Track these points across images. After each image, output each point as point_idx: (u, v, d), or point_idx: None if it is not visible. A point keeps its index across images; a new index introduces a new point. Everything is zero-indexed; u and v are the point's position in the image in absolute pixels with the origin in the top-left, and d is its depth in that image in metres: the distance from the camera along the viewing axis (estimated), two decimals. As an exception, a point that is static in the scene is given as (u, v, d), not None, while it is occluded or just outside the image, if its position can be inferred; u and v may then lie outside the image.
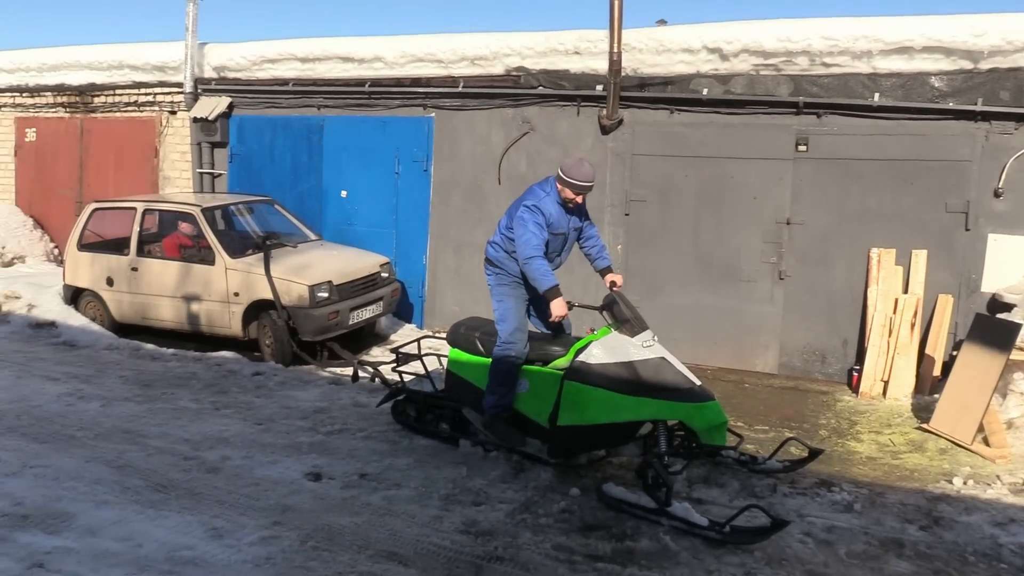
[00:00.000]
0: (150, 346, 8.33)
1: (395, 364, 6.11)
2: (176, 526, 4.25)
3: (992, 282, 7.28)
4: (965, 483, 5.18)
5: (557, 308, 4.88)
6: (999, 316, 6.62)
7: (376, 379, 6.46)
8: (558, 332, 5.34)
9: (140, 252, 8.55)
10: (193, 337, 8.48)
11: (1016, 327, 6.00)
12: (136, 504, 4.51)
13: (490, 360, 5.18)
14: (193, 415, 6.21)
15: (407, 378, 6.10)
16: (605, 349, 4.81)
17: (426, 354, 6.10)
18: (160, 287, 8.37)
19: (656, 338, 4.84)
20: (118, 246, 8.76)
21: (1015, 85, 7.10)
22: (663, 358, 4.73)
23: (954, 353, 6.76)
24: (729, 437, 5.00)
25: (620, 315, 4.89)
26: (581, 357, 4.85)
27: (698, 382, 4.72)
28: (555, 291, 4.86)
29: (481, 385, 5.28)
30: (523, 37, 8.79)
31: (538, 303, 5.24)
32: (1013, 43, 7.02)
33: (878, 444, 6.03)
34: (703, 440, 4.63)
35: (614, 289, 5.11)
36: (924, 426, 6.25)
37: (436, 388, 5.91)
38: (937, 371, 7.12)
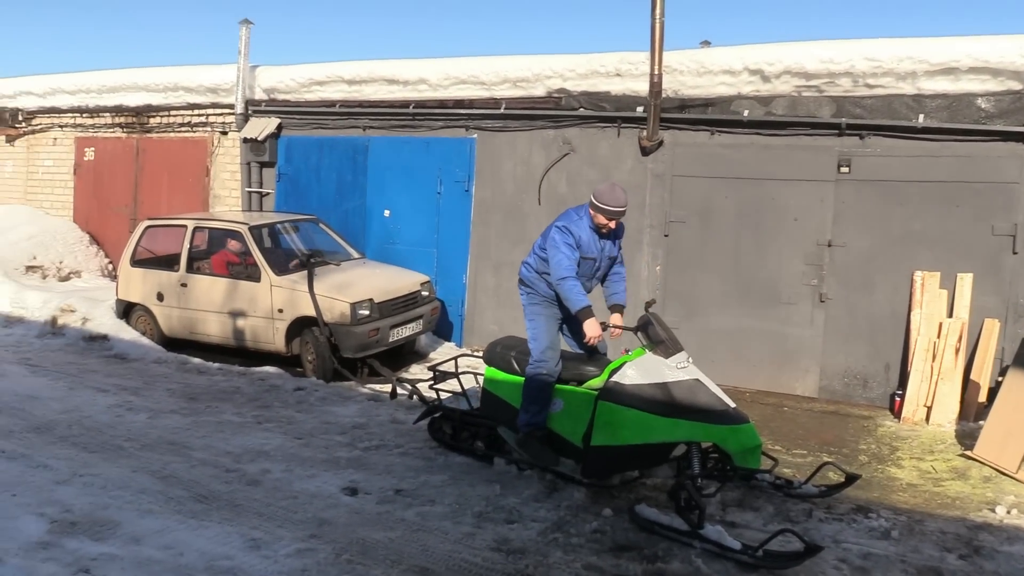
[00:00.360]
0: (197, 360, 8.56)
1: (432, 382, 6.20)
2: (216, 536, 4.37)
3: (1041, 307, 7.13)
4: (1008, 512, 5.06)
5: (590, 329, 4.92)
6: (1047, 342, 6.48)
7: (414, 396, 6.53)
8: (593, 352, 5.38)
9: (190, 268, 8.80)
10: (238, 352, 8.70)
11: (1064, 353, 5.87)
12: (179, 514, 4.65)
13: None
14: (236, 428, 6.37)
15: (444, 396, 6.17)
16: (639, 370, 4.83)
17: (463, 372, 6.17)
18: (208, 303, 8.61)
19: (691, 359, 4.85)
20: (169, 262, 9.02)
21: (1065, 106, 6.98)
22: (697, 380, 4.74)
23: (1000, 379, 6.61)
24: (764, 460, 4.97)
25: (655, 336, 4.91)
26: (615, 377, 4.89)
27: (732, 404, 4.71)
28: (587, 311, 4.91)
29: (516, 404, 5.34)
30: (565, 59, 8.89)
31: (573, 323, 5.28)
32: (1062, 64, 6.91)
33: (919, 471, 5.93)
34: (737, 463, 4.62)
35: (649, 310, 5.13)
36: (968, 453, 6.13)
37: (472, 406, 5.98)
38: (982, 397, 6.98)
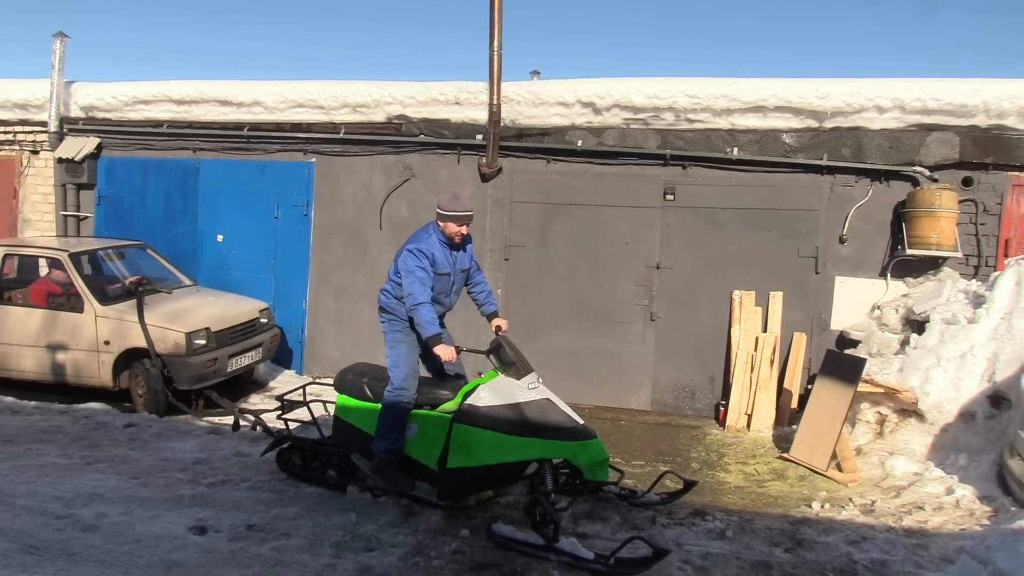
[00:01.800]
0: (9, 398, 7.88)
1: (280, 411, 6.06)
2: (53, 589, 4.07)
3: (840, 320, 7.97)
4: (822, 507, 5.63)
5: (444, 352, 5.00)
6: (847, 352, 7.25)
7: (258, 427, 6.36)
8: (445, 376, 5.47)
9: (0, 299, 8.09)
10: (56, 388, 8.07)
11: (862, 362, 6.59)
12: (7, 569, 4.27)
13: (379, 405, 5.25)
14: (63, 471, 5.92)
15: (292, 425, 6.05)
16: (492, 392, 4.97)
17: (312, 401, 6.07)
18: (22, 336, 7.94)
19: (541, 380, 5.05)
20: (-27, 293, 8.27)
21: (855, 143, 7.87)
22: (548, 399, 4.94)
23: (809, 387, 7.32)
24: (610, 473, 5.25)
25: (506, 358, 5.07)
26: (469, 400, 4.99)
27: (581, 421, 4.94)
28: (436, 339, 5.00)
29: (370, 430, 5.32)
30: (405, 86, 8.99)
31: (429, 348, 5.35)
32: (852, 105, 7.80)
33: (745, 474, 6.45)
34: (587, 476, 4.85)
35: (500, 333, 5.30)
36: (785, 455, 6.74)
37: (323, 435, 5.90)
38: (794, 403, 7.70)
